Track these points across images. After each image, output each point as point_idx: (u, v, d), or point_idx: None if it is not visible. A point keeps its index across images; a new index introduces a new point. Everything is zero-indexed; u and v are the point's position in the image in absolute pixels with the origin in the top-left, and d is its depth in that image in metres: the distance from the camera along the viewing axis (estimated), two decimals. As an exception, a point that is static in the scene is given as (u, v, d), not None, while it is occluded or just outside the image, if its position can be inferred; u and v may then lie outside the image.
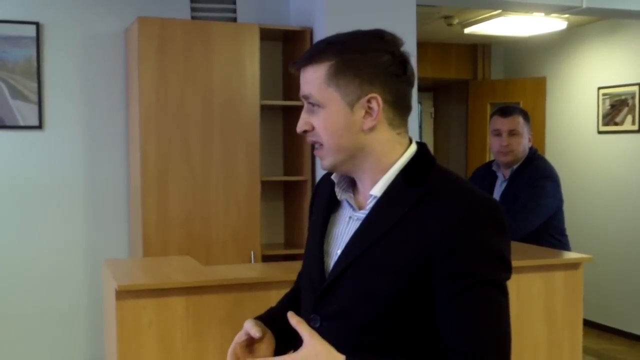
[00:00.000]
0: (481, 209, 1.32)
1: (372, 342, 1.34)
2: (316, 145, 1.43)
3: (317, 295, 1.42)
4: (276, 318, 1.54)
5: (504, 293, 1.33)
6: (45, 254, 3.88)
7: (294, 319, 1.29)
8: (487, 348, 1.28)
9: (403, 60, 1.39)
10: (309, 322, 1.37)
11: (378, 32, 1.40)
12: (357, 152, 1.39)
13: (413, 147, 1.42)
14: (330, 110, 1.37)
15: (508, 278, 1.35)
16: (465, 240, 1.28)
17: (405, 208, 1.33)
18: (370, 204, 1.40)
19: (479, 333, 1.28)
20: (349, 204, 1.46)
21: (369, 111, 1.36)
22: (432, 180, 1.36)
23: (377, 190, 1.39)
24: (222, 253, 3.81)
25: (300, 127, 1.42)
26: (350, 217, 1.45)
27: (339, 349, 1.26)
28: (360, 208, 1.44)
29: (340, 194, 1.47)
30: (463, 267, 1.28)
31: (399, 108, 1.40)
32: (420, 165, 1.39)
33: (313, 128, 1.40)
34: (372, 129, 1.37)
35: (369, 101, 1.36)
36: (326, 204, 1.51)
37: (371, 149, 1.39)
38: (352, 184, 1.48)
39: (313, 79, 1.38)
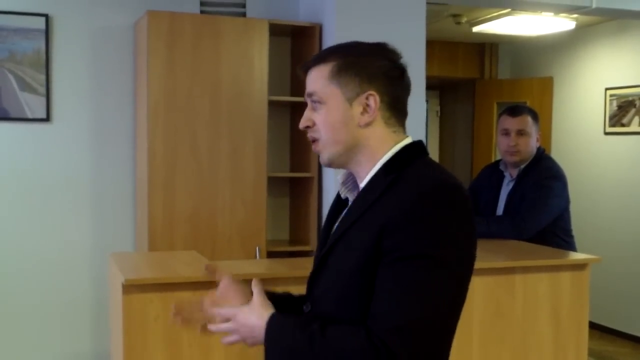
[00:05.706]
0: (436, 189, 1.36)
1: (345, 320, 1.37)
2: (315, 141, 1.53)
3: (309, 282, 1.52)
4: (285, 298, 1.65)
5: (444, 271, 1.31)
6: (51, 247, 3.88)
7: (255, 282, 1.49)
8: (393, 331, 1.27)
9: (401, 68, 1.49)
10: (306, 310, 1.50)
11: (380, 43, 1.51)
12: (353, 146, 1.47)
13: (404, 142, 1.48)
14: (330, 105, 1.47)
15: (459, 258, 1.35)
16: (411, 216, 1.32)
17: (377, 193, 1.40)
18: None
19: (389, 312, 1.29)
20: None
21: (366, 108, 1.45)
22: (409, 169, 1.42)
23: (365, 181, 1.47)
24: (227, 248, 3.81)
25: (303, 123, 1.52)
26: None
27: None
28: None
29: (344, 192, 1.54)
30: (402, 240, 1.31)
31: (396, 110, 1.48)
32: (403, 156, 1.45)
33: (314, 124, 1.50)
34: (368, 124, 1.46)
35: (367, 98, 1.45)
36: (335, 205, 1.59)
37: (366, 144, 1.46)
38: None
39: (318, 77, 1.49)
